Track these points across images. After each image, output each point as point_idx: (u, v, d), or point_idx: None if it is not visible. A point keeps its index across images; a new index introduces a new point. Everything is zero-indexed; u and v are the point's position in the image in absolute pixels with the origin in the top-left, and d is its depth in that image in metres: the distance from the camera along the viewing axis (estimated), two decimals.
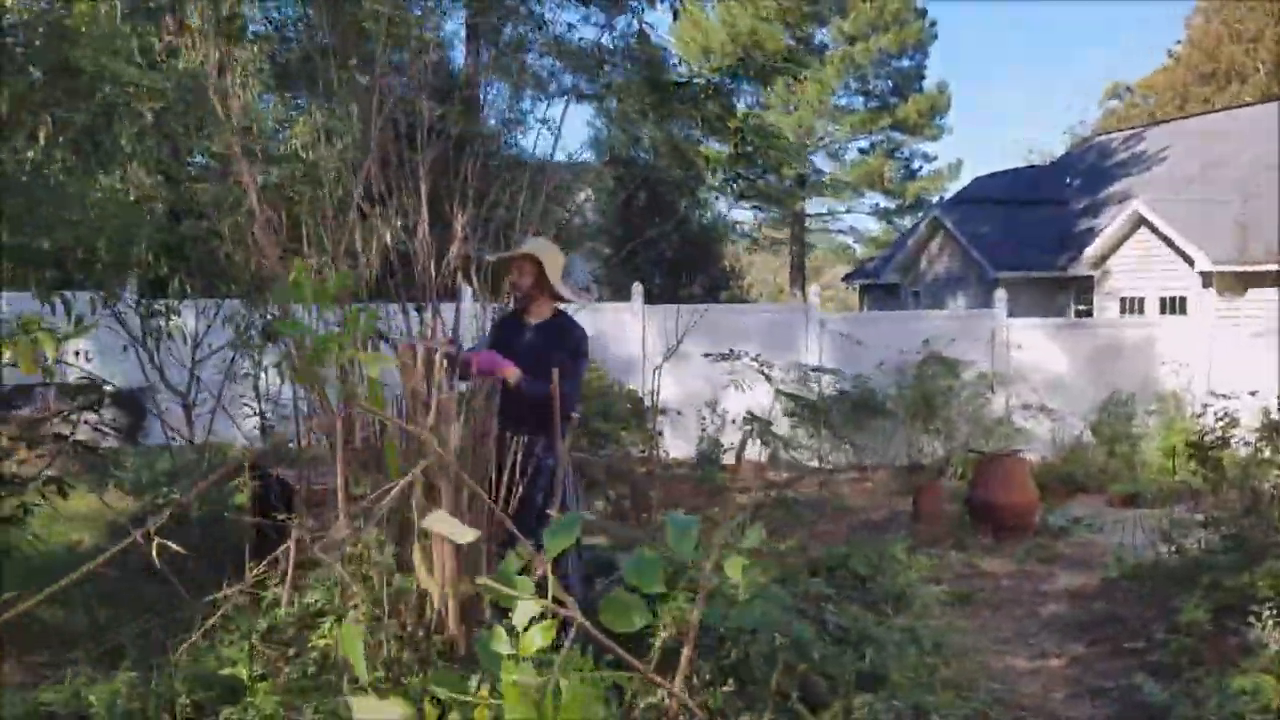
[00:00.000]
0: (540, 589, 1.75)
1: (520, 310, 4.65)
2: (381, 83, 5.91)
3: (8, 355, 3.22)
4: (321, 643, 3.99)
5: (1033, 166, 29.65)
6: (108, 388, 7.69)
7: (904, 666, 3.89)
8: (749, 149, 20.75)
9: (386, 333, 4.73)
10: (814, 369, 10.66)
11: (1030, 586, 6.32)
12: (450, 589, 3.69)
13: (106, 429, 6.73)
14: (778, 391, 9.85)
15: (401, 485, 3.24)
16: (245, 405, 8.12)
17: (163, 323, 6.92)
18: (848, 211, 36.75)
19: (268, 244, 5.47)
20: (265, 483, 5.99)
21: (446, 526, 1.62)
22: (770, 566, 4.78)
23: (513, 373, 4.20)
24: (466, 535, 1.63)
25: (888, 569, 4.81)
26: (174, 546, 3.32)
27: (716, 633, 4.17)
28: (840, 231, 38.68)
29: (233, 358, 7.75)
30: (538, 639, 1.61)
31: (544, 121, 18.32)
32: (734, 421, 9.85)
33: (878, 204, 35.95)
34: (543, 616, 1.65)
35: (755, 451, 8.78)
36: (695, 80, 19.74)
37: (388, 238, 5.46)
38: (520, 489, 4.09)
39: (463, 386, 4.48)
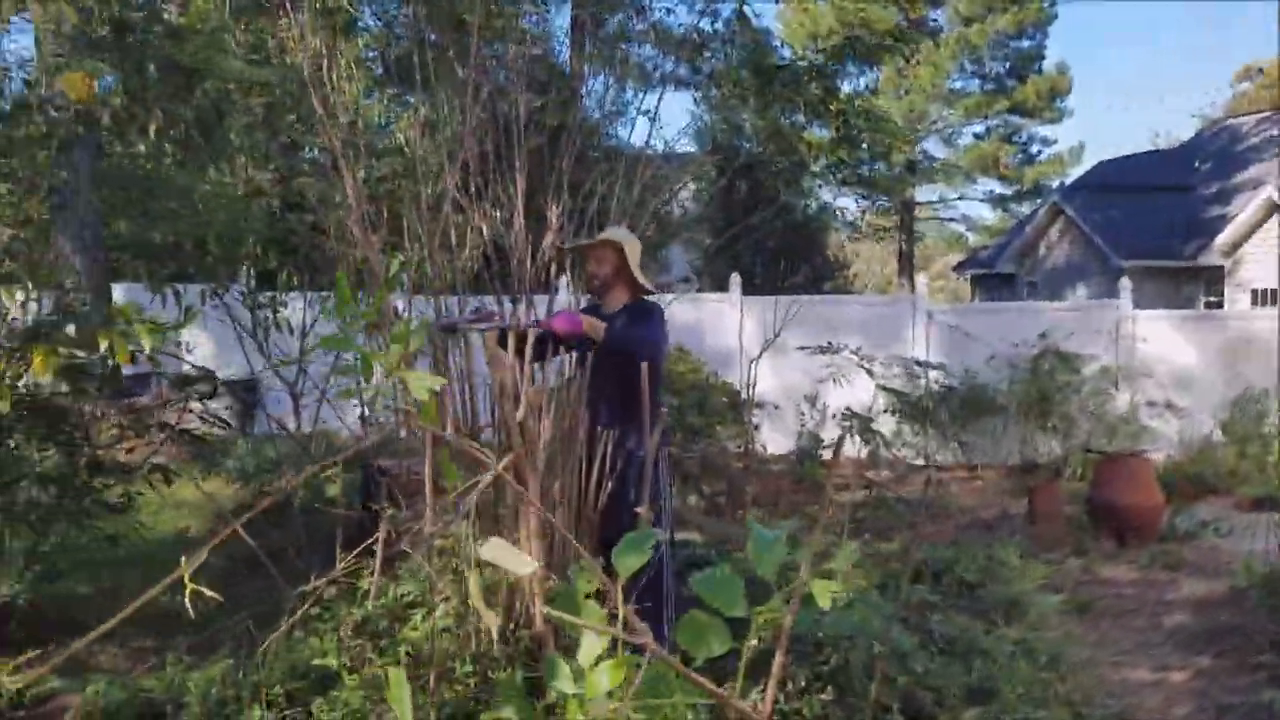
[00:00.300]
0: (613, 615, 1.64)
1: (598, 301, 4.49)
2: (478, 75, 5.89)
3: (104, 344, 3.25)
4: (412, 635, 3.97)
5: (1159, 150, 28.33)
6: (221, 377, 7.89)
7: (1015, 680, 3.67)
8: (853, 132, 20.25)
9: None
10: (919, 363, 10.33)
11: (1153, 595, 5.97)
12: (538, 586, 3.62)
13: (216, 418, 6.88)
14: (880, 387, 9.58)
15: (488, 480, 3.18)
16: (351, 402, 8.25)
17: (270, 314, 7.04)
18: (960, 199, 35.76)
19: (365, 238, 5.50)
20: (367, 473, 6.05)
21: (504, 556, 1.52)
22: (870, 571, 4.60)
23: (593, 325, 3.99)
24: (524, 568, 1.53)
25: (998, 575, 4.56)
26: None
27: (812, 638, 4.03)
28: (952, 219, 37.70)
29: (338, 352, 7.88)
30: (604, 681, 1.50)
31: (644, 112, 18.16)
32: (834, 416, 9.61)
33: (992, 190, 34.86)
34: (614, 646, 1.54)
35: (855, 449, 8.54)
36: (798, 63, 19.33)
37: (484, 231, 5.45)
38: (611, 484, 4.00)
39: (549, 376, 4.40)
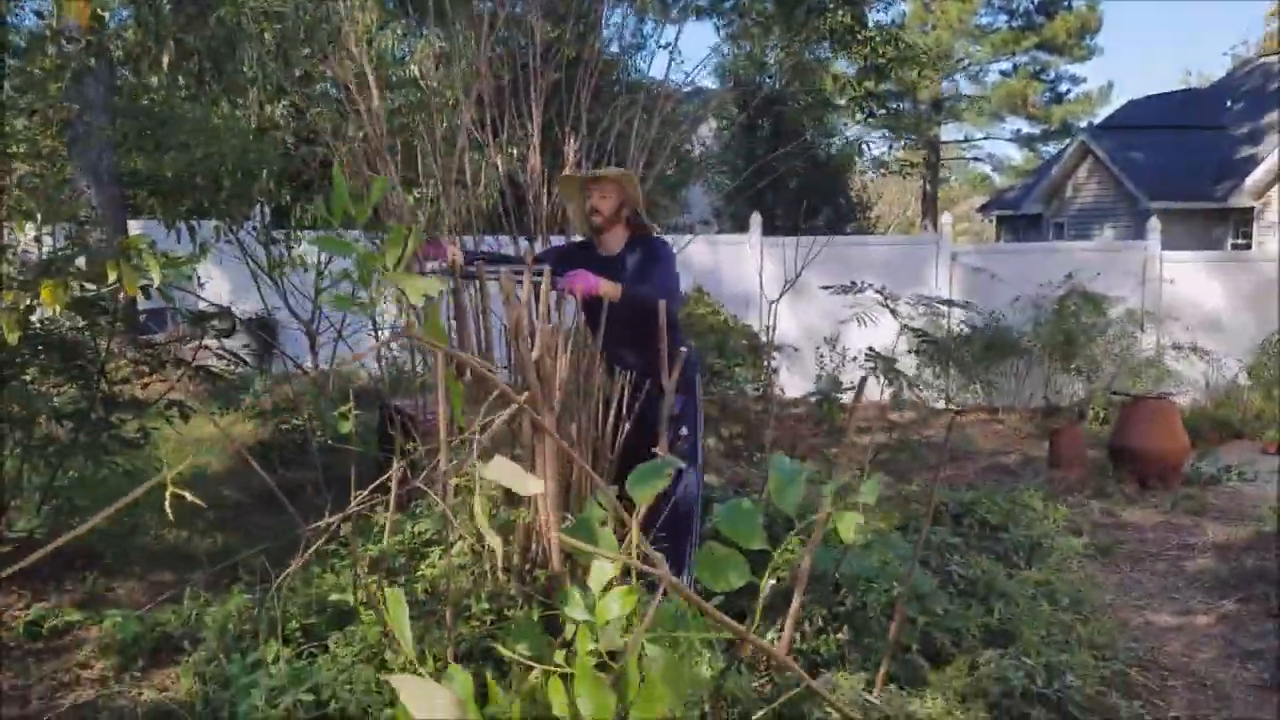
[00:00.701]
0: (630, 545, 1.58)
1: (592, 240, 4.27)
2: (494, 3, 5.74)
3: (113, 276, 3.19)
4: (430, 572, 3.96)
5: (1190, 90, 27.67)
6: (237, 314, 7.86)
7: (1036, 623, 3.62)
8: (881, 60, 19.72)
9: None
10: (944, 302, 10.19)
11: (1176, 539, 5.90)
12: (554, 518, 3.58)
13: (234, 355, 6.85)
14: (903, 326, 9.46)
15: (507, 415, 3.13)
16: (367, 335, 8.21)
17: (284, 251, 6.97)
18: (986, 138, 35.21)
19: (385, 172, 5.41)
20: (383, 413, 6.02)
21: (510, 475, 1.46)
22: (890, 512, 4.54)
23: (612, 287, 3.85)
24: (531, 487, 1.48)
25: (1020, 517, 4.49)
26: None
27: (831, 579, 3.99)
28: (977, 159, 37.13)
29: (354, 289, 7.81)
30: (614, 607, 1.45)
31: (664, 46, 17.72)
32: (854, 359, 9.50)
33: (1019, 130, 34.27)
34: (626, 575, 1.48)
35: (877, 391, 8.45)
36: None
37: (500, 166, 5.34)
38: (629, 426, 3.96)
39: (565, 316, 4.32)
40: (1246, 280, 10.55)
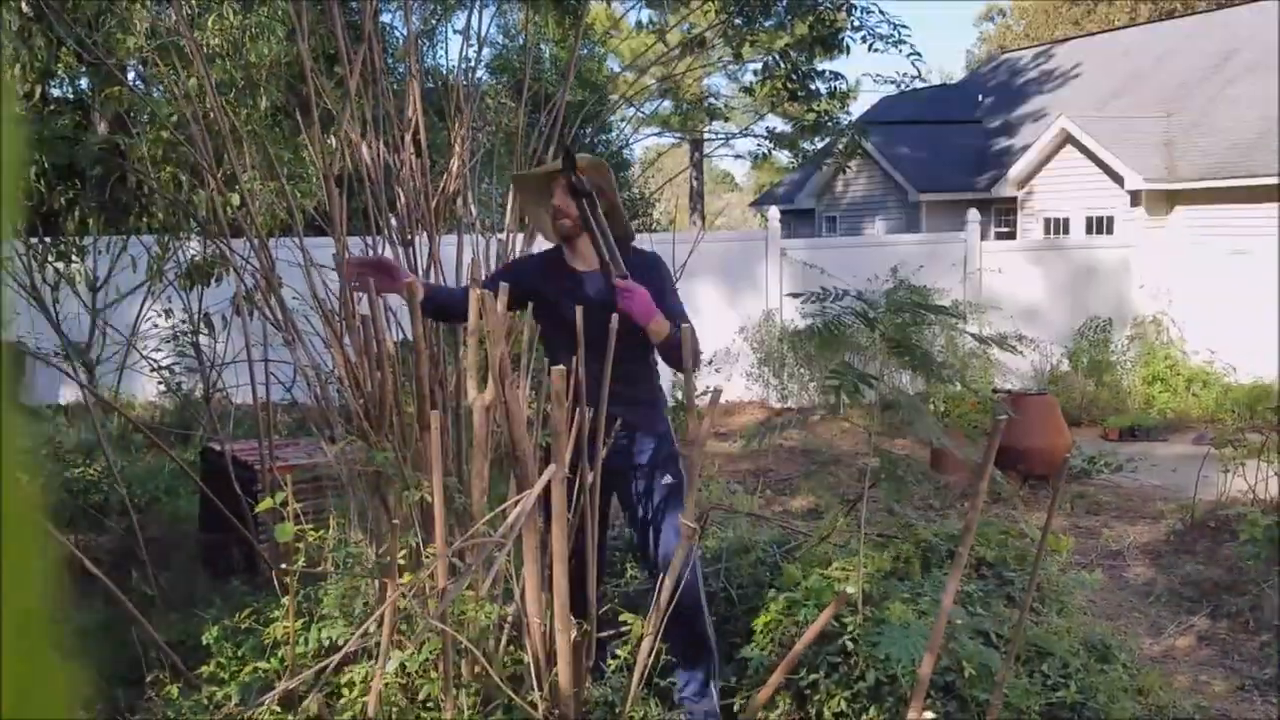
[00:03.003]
0: None
1: (560, 257, 3.37)
2: None
3: None
4: (354, 697, 2.97)
5: (942, 85, 29.24)
6: None
7: (1097, 687, 3.11)
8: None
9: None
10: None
11: (1096, 544, 5.67)
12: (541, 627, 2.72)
13: None
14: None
15: (537, 491, 2.26)
16: (153, 359, 6.87)
17: (61, 266, 5.61)
18: (746, 135, 35.90)
19: (207, 158, 4.32)
20: (214, 463, 4.85)
21: None
22: (876, 553, 3.95)
23: (661, 323, 3.14)
24: None
25: (1011, 547, 4.00)
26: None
27: (841, 647, 3.34)
28: (739, 156, 37.83)
29: (141, 304, 6.48)
30: None
31: (460, 32, 16.65)
32: (709, 362, 8.99)
33: (773, 128, 35.16)
34: None
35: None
36: None
37: (366, 152, 4.34)
38: (641, 475, 3.21)
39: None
40: (1062, 267, 10.83)
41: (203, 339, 5.53)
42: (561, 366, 2.58)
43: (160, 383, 7.01)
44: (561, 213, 3.21)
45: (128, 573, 4.26)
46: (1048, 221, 17.84)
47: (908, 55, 9.36)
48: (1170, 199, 15.70)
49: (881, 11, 9.91)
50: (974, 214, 11.23)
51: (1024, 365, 10.08)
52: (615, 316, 2.89)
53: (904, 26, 9.20)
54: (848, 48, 11.25)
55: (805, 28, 10.39)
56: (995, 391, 8.12)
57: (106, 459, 4.84)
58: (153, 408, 8.94)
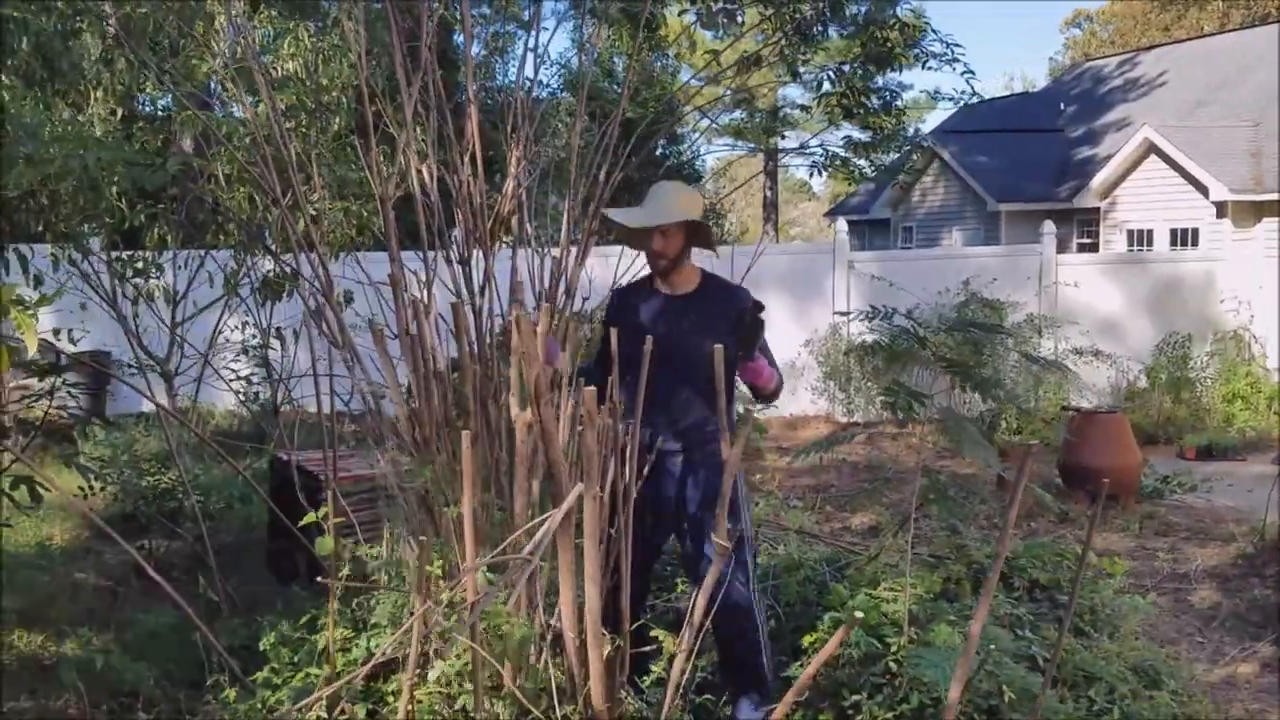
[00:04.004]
0: None
1: (654, 279, 3.54)
2: None
3: None
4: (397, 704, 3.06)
5: (1025, 93, 28.73)
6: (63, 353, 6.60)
7: (1153, 714, 3.06)
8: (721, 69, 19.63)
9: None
10: (839, 313, 9.81)
11: (1164, 568, 5.53)
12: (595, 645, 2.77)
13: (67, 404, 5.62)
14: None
15: (564, 511, 2.32)
16: (231, 370, 7.11)
17: (141, 281, 5.84)
18: (820, 146, 35.67)
19: (273, 183, 4.45)
20: (281, 472, 5.01)
21: None
22: (927, 574, 3.93)
23: (771, 378, 3.44)
24: None
25: (1064, 570, 3.94)
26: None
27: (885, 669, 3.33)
28: (812, 167, 37.59)
29: (218, 317, 6.71)
30: None
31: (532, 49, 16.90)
32: None
33: (849, 136, 34.84)
34: None
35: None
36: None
37: (424, 174, 4.45)
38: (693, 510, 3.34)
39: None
40: (1142, 281, 10.58)
41: (273, 352, 5.71)
42: (594, 388, 2.63)
43: (239, 393, 7.25)
44: (659, 255, 3.41)
45: (197, 579, 4.41)
46: (1131, 233, 17.40)
47: (962, 74, 9.25)
48: (1257, 210, 15.19)
49: (934, 30, 9.86)
50: (1049, 225, 11.01)
51: (1101, 381, 9.87)
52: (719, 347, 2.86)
53: (957, 45, 9.14)
54: (901, 65, 11.23)
55: (859, 47, 10.41)
56: (1065, 409, 7.96)
57: (180, 467, 5.03)
58: (231, 417, 9.24)
